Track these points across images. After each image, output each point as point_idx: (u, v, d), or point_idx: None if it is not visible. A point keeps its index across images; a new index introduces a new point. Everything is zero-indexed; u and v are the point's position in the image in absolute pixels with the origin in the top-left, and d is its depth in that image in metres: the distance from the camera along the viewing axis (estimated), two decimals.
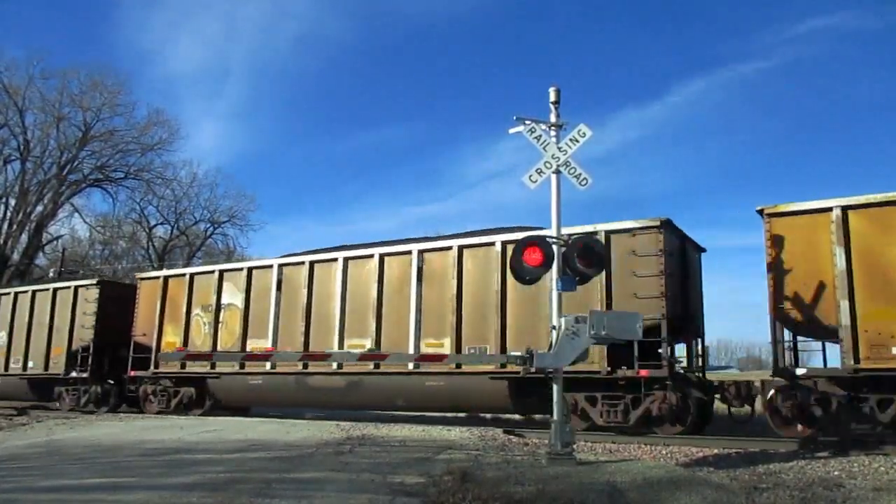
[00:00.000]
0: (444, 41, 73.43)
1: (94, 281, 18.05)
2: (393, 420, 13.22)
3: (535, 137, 8.13)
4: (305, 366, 13.43)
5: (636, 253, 11.01)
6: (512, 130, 8.24)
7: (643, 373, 10.65)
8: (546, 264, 7.53)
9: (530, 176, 8.05)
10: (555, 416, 7.38)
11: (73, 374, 17.27)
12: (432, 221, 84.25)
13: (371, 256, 13.60)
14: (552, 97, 8.21)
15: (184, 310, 15.68)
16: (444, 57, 73.96)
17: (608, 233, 11.20)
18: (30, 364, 18.20)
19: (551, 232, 7.94)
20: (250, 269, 15.22)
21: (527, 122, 8.14)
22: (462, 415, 14.93)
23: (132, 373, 16.15)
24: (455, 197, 72.55)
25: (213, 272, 15.72)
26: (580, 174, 8.03)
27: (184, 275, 16.22)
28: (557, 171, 8.00)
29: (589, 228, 11.26)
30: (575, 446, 7.50)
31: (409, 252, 13.26)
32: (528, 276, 7.83)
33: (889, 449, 8.72)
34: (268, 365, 13.82)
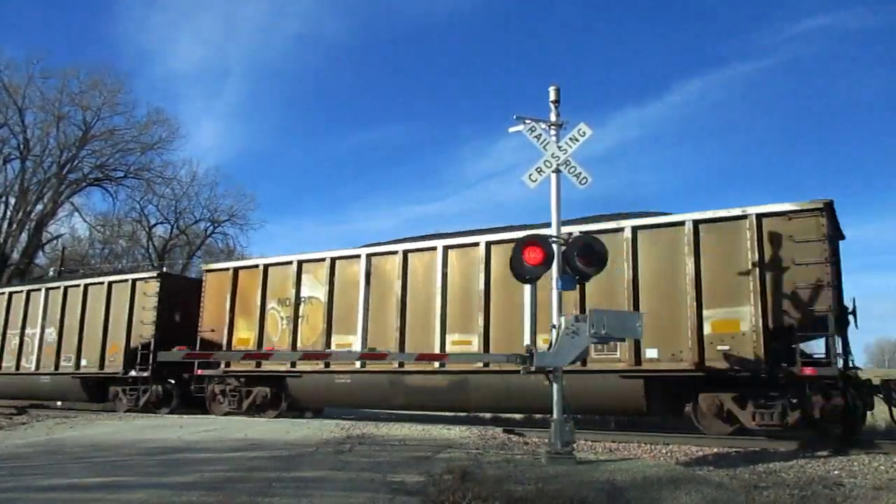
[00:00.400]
0: (443, 41, 73.53)
1: (153, 273, 16.83)
2: (394, 419, 13.20)
3: (535, 136, 8.14)
4: (402, 364, 12.33)
5: (794, 239, 9.89)
6: (512, 129, 8.24)
7: (809, 371, 9.54)
8: (546, 263, 7.53)
9: (530, 175, 8.05)
10: (555, 415, 7.39)
11: (133, 372, 16.08)
12: (432, 221, 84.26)
13: (476, 245, 12.28)
14: (552, 96, 8.21)
15: (257, 303, 14.43)
16: (444, 56, 74.07)
17: (759, 216, 10.11)
18: (83, 362, 17.04)
19: (551, 231, 7.95)
20: (333, 260, 13.89)
21: (527, 120, 8.14)
22: (462, 414, 14.86)
23: (199, 371, 14.99)
24: (455, 196, 72.58)
25: (290, 263, 14.37)
26: (580, 173, 8.03)
27: (256, 266, 14.90)
28: (557, 171, 8.00)
29: (736, 212, 10.30)
30: (575, 445, 7.50)
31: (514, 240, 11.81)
32: (527, 276, 7.84)
33: (889, 448, 8.73)
34: (357, 363, 12.77)
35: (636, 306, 10.57)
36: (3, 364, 18.50)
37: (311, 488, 5.85)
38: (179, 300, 16.30)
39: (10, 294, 19.21)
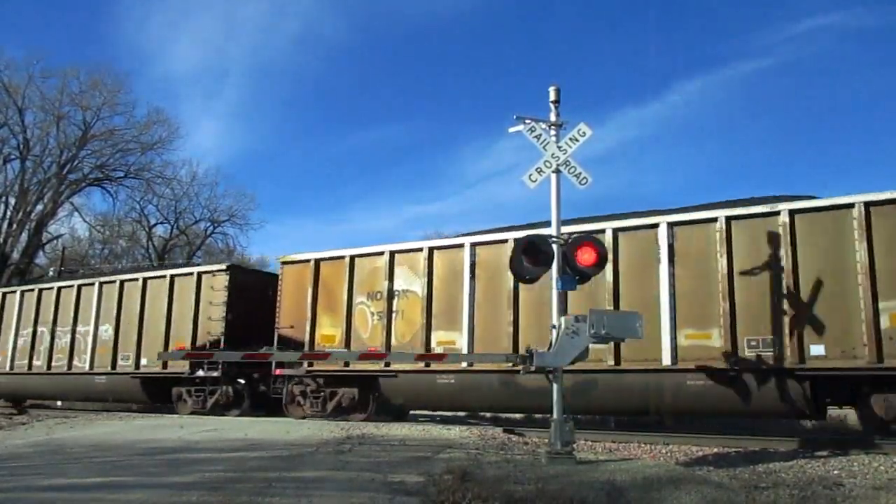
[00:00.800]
0: (443, 41, 73.39)
1: (223, 266, 15.62)
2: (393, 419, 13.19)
3: (535, 136, 8.14)
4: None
5: None
6: (512, 129, 8.25)
7: None
8: (546, 263, 7.54)
9: (530, 175, 8.05)
10: (554, 415, 7.39)
11: (201, 372, 14.88)
12: (432, 221, 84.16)
13: (601, 232, 11.04)
14: (552, 96, 8.22)
15: (344, 298, 13.25)
16: (444, 56, 73.91)
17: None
18: (143, 361, 15.82)
19: (551, 230, 7.95)
20: (431, 250, 12.73)
21: (527, 121, 8.15)
22: (461, 413, 14.87)
23: (278, 371, 13.80)
24: (455, 196, 72.49)
25: (381, 254, 13.14)
26: (580, 173, 8.04)
27: (342, 257, 13.60)
28: (557, 171, 8.01)
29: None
30: (575, 445, 7.50)
31: (656, 226, 10.79)
32: (527, 276, 7.86)
33: (889, 448, 8.72)
34: (464, 362, 11.67)
35: (799, 299, 9.66)
36: (53, 363, 17.44)
37: (311, 488, 5.85)
38: (251, 295, 15.25)
39: (59, 289, 17.91)
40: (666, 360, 10.27)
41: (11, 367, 18.26)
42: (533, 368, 7.44)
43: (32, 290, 18.60)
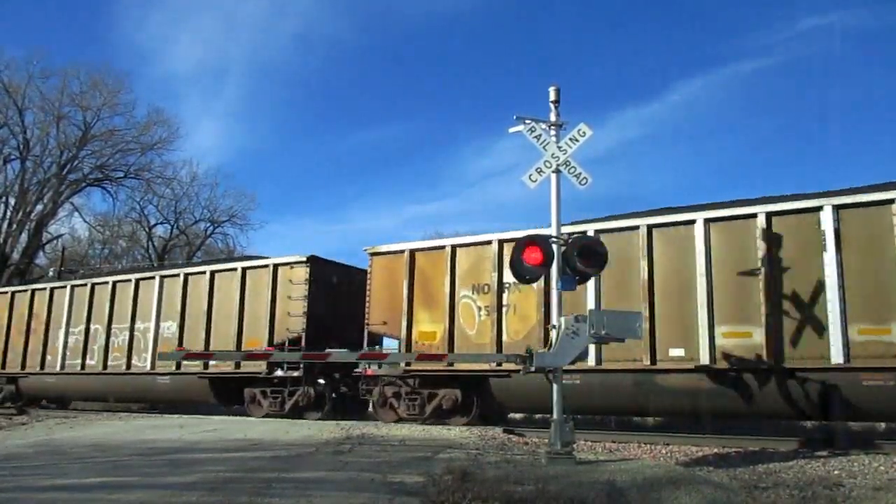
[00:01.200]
0: (443, 40, 73.37)
1: (302, 258, 14.29)
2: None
3: (535, 137, 8.14)
4: (653, 360, 10.32)
5: None
6: (512, 130, 8.25)
7: None
8: (546, 263, 7.54)
9: (530, 175, 8.06)
10: (555, 416, 7.39)
11: (280, 372, 13.80)
12: (432, 221, 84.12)
13: (753, 216, 10.05)
14: (552, 96, 8.22)
15: (445, 291, 12.22)
16: (444, 56, 73.88)
17: None
18: (212, 360, 14.95)
19: (551, 231, 7.94)
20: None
21: (527, 121, 8.15)
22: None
23: (370, 372, 12.86)
24: (455, 196, 72.48)
25: (488, 243, 12.02)
26: (580, 173, 8.04)
27: (441, 247, 12.58)
28: (557, 171, 8.01)
29: None
30: (575, 446, 7.50)
31: (818, 209, 9.69)
32: (527, 276, 7.86)
33: (889, 448, 8.72)
34: (591, 358, 10.62)
35: None
36: (110, 363, 16.43)
37: (311, 489, 5.85)
38: (333, 288, 14.38)
39: (114, 283, 16.89)
40: (838, 357, 9.23)
41: (62, 367, 17.25)
42: (533, 369, 7.44)
43: (84, 284, 17.53)
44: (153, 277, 16.32)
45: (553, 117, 8.20)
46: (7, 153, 35.72)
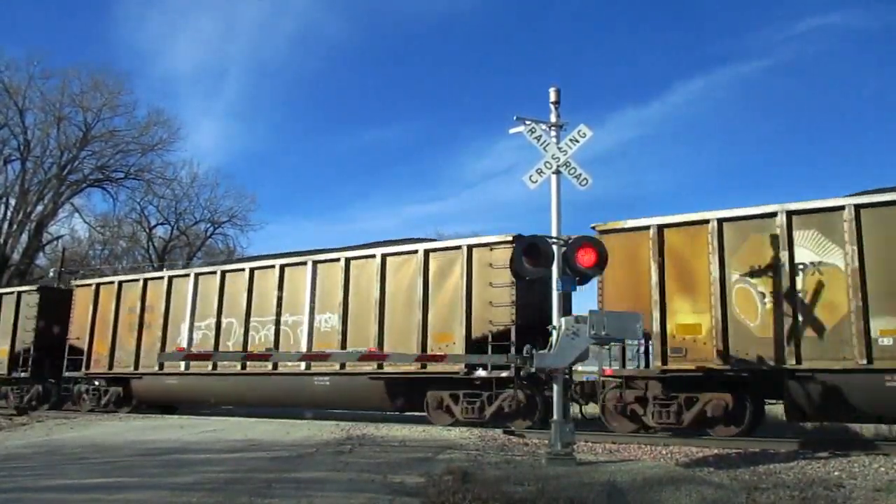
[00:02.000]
0: (443, 40, 73.50)
1: (507, 237, 12.10)
2: (394, 420, 13.15)
3: (536, 137, 8.16)
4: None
5: None
6: (512, 130, 8.27)
7: None
8: (546, 264, 7.54)
9: (530, 176, 8.07)
10: (555, 416, 7.38)
11: (482, 372, 11.95)
12: (432, 221, 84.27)
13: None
14: (552, 97, 8.23)
15: (713, 276, 10.30)
16: (444, 56, 74.01)
17: None
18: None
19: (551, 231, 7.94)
20: (857, 209, 9.60)
21: (527, 122, 8.16)
22: None
23: (609, 372, 11.14)
24: (455, 196, 72.58)
25: (772, 215, 10.10)
26: (580, 174, 8.05)
27: (702, 222, 10.61)
28: (557, 172, 8.02)
29: None
30: (575, 446, 7.49)
31: None
32: (527, 276, 7.86)
33: (889, 449, 8.71)
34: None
35: None
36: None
37: (311, 489, 5.85)
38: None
39: (252, 270, 14.99)
40: None
41: (188, 367, 15.12)
42: (532, 369, 7.44)
43: (213, 272, 15.63)
44: (305, 263, 14.32)
45: (553, 118, 8.21)
46: (7, 154, 35.77)
